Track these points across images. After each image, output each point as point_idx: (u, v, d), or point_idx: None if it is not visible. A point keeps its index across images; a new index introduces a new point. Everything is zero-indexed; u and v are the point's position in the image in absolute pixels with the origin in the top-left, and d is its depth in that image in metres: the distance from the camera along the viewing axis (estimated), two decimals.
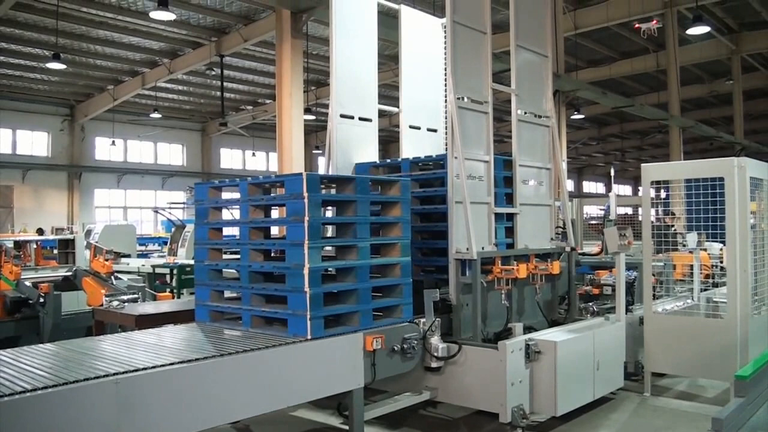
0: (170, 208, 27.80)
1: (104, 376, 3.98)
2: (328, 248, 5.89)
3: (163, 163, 37.06)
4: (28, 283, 9.72)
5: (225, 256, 6.35)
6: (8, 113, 30.27)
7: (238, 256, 5.99)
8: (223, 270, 6.25)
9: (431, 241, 6.99)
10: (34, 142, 32.10)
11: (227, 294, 6.26)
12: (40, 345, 5.33)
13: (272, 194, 6.15)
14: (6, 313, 9.47)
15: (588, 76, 26.71)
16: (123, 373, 4.09)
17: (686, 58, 25.33)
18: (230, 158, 40.03)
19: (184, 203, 32.29)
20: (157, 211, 28.99)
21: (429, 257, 7.01)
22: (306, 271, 5.20)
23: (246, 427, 6.32)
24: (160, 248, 24.50)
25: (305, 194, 5.24)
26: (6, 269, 9.89)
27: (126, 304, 7.75)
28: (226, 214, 6.40)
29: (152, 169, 36.12)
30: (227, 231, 6.51)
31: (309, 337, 5.17)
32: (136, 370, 4.15)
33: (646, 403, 7.06)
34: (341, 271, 5.72)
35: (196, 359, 4.50)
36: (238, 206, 6.01)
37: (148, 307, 7.61)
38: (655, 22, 18.02)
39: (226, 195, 6.35)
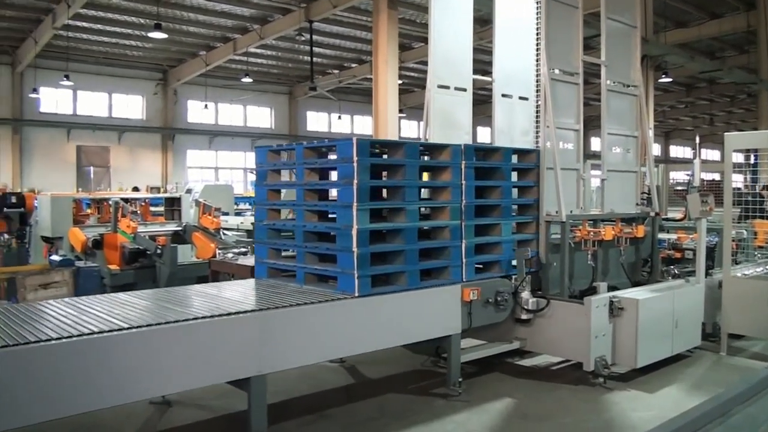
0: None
1: (251, 311, 4.75)
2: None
3: (252, 126, 38.26)
4: (144, 236, 10.68)
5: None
6: (104, 78, 31.81)
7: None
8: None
9: None
10: (130, 106, 33.64)
11: (285, 252, 6.57)
12: (194, 286, 6.23)
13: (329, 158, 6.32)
14: (125, 262, 10.44)
15: (676, 37, 26.17)
16: (259, 310, 4.85)
17: None
18: (316, 121, 40.86)
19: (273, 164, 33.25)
20: (252, 171, 30.05)
21: None
22: (354, 232, 5.46)
23: (352, 366, 7.06)
24: (250, 207, 25.53)
25: (355, 158, 5.47)
26: (123, 224, 10.87)
27: (239, 256, 8.57)
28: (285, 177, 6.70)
29: (242, 132, 37.35)
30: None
31: (356, 294, 5.46)
32: (275, 308, 4.92)
33: (721, 361, 7.42)
34: (391, 233, 5.93)
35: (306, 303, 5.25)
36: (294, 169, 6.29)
37: None
38: None
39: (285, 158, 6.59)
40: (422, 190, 6.58)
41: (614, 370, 6.67)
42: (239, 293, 5.78)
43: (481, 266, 6.55)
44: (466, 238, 6.33)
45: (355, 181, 5.47)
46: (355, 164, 5.47)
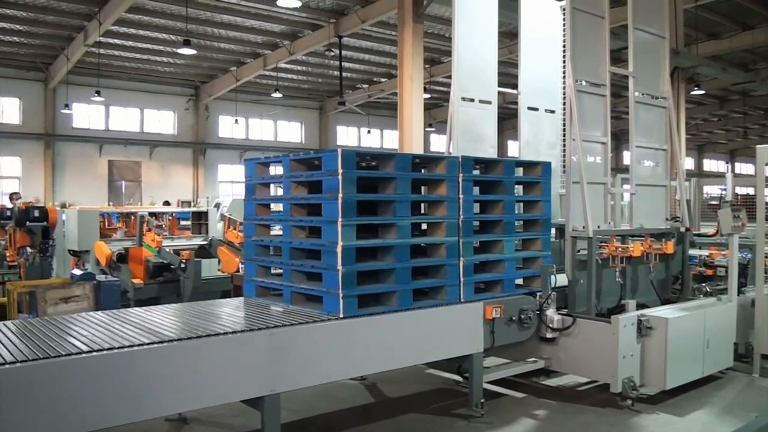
0: None
1: (264, 328, 4.68)
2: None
3: (283, 140, 38.43)
4: (168, 251, 10.67)
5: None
6: (136, 94, 32.16)
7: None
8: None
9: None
10: (161, 121, 33.98)
11: (274, 270, 6.20)
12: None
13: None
14: (149, 276, 10.42)
15: (708, 49, 25.73)
16: (274, 327, 4.75)
17: None
18: (346, 135, 40.88)
19: None
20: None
21: None
22: (339, 249, 5.12)
23: (373, 384, 6.91)
24: None
25: (340, 171, 5.15)
26: (148, 238, 10.88)
27: None
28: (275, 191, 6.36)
29: (272, 146, 37.45)
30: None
31: (341, 315, 5.12)
32: (289, 325, 4.82)
33: (754, 383, 7.13)
34: (382, 250, 5.56)
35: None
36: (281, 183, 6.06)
37: None
38: None
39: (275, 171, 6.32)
40: (423, 204, 6.30)
41: (642, 392, 6.45)
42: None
43: (483, 285, 6.26)
44: (464, 256, 5.95)
45: (340, 195, 5.15)
46: (340, 177, 5.16)
